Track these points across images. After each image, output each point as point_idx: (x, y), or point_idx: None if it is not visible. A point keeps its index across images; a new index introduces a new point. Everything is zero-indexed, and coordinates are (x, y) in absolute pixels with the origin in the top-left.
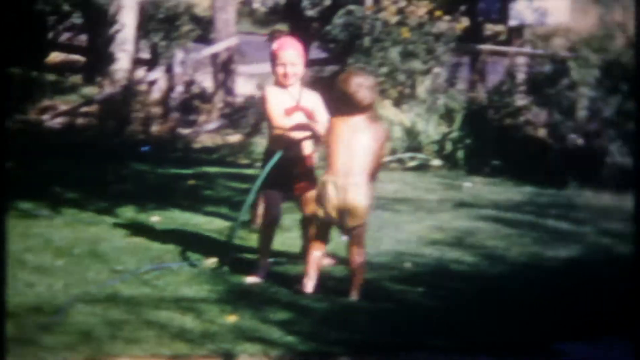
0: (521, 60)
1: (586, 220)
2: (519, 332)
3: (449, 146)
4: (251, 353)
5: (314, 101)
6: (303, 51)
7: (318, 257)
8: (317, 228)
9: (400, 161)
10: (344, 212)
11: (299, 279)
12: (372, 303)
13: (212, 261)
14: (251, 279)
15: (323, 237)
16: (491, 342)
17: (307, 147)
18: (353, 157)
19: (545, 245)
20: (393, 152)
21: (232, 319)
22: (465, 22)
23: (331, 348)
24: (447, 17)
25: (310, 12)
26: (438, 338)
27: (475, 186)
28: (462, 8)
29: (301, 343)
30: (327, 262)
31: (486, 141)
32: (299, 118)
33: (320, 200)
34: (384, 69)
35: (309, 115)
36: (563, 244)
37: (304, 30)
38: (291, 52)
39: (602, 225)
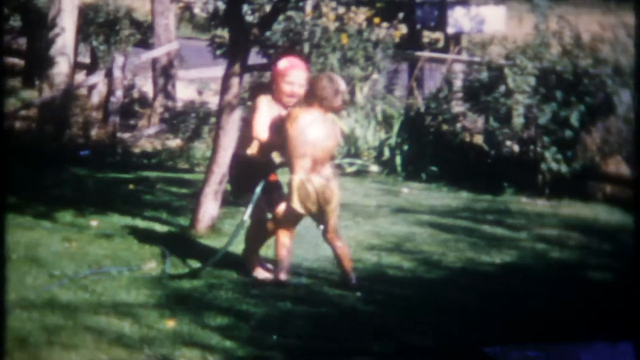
0: (458, 68)
1: (521, 226)
2: (454, 336)
3: (387, 152)
4: (189, 358)
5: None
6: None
7: (289, 245)
8: (288, 220)
9: (339, 167)
10: (323, 205)
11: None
12: (310, 308)
13: (151, 266)
14: (263, 275)
15: (293, 227)
16: (427, 346)
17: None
18: (323, 151)
19: (481, 250)
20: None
21: (170, 324)
22: (403, 29)
23: (269, 353)
24: (385, 24)
25: (251, 18)
26: (375, 343)
27: (412, 192)
28: (400, 15)
29: (239, 348)
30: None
31: (424, 147)
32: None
33: (299, 197)
34: None
35: None
36: (498, 250)
37: (244, 36)
38: (302, 74)
39: (536, 231)
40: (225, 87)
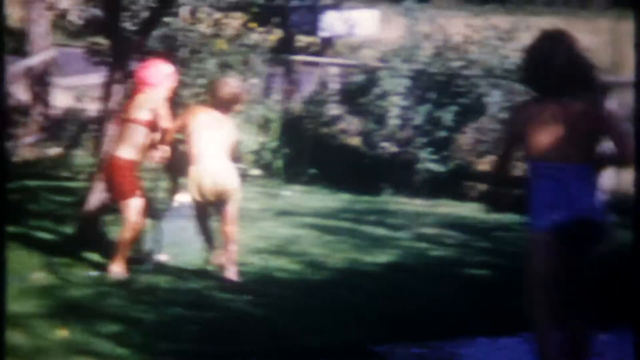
0: (334, 71)
1: (401, 226)
2: (342, 336)
3: (267, 156)
4: None
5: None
6: None
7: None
8: (196, 211)
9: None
10: (220, 193)
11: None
12: (199, 312)
13: (39, 276)
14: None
15: (205, 215)
16: (316, 347)
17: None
18: (221, 145)
19: (364, 250)
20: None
21: (62, 333)
22: (278, 33)
23: (163, 358)
24: (261, 29)
25: (129, 26)
26: (265, 345)
27: (294, 194)
28: (276, 20)
29: (132, 355)
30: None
31: (302, 150)
32: None
33: (196, 186)
34: (202, 80)
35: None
36: (381, 249)
37: (124, 43)
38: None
39: (416, 230)
40: (107, 94)
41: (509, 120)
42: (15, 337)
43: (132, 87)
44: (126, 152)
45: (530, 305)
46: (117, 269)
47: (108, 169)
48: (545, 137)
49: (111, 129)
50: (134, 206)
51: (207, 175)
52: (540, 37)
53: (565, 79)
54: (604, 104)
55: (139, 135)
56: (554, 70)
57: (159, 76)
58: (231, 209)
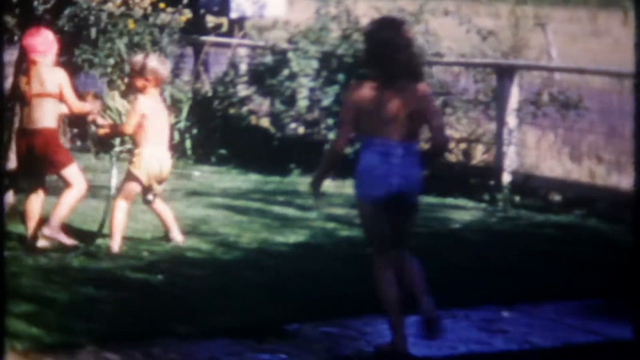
0: (243, 52)
1: (310, 207)
2: (254, 315)
3: (176, 136)
4: None
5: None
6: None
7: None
8: (129, 190)
9: (129, 152)
10: (161, 178)
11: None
12: (113, 292)
13: None
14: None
15: (132, 198)
16: (229, 326)
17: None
18: (164, 129)
19: (274, 231)
20: (122, 142)
21: None
22: (188, 14)
23: (78, 339)
24: (170, 9)
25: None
26: (180, 324)
27: (203, 175)
28: (185, 0)
29: (47, 335)
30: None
31: (212, 131)
32: None
33: (147, 169)
34: (111, 60)
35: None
36: (291, 230)
37: (35, 24)
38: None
39: (325, 210)
40: (16, 73)
41: (347, 99)
42: None
43: (23, 57)
44: (52, 122)
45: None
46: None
47: (41, 141)
48: (378, 116)
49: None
50: (76, 171)
51: (157, 161)
52: (382, 27)
53: (403, 69)
54: (426, 89)
55: (55, 105)
56: (397, 61)
57: (46, 44)
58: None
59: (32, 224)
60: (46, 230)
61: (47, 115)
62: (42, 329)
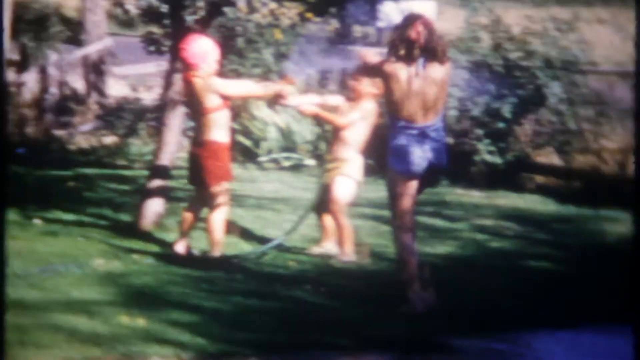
0: None
1: (459, 217)
2: (413, 328)
3: (322, 146)
4: (163, 355)
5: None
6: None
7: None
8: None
9: (276, 161)
10: None
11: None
12: (276, 303)
13: (99, 263)
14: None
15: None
16: (389, 339)
17: None
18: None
19: (423, 242)
20: (268, 152)
21: (141, 321)
22: (335, 24)
23: (241, 349)
24: (317, 19)
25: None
26: (338, 336)
27: None
28: (333, 10)
29: (211, 345)
30: None
31: None
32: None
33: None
34: (258, 70)
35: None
36: (440, 241)
37: (184, 34)
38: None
39: (475, 221)
40: (167, 84)
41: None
42: (94, 324)
43: (182, 69)
44: (218, 135)
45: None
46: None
47: (204, 153)
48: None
49: (172, 118)
50: (226, 189)
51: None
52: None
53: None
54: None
55: (220, 118)
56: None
57: (201, 55)
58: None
59: (184, 230)
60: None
61: (211, 128)
62: (207, 338)
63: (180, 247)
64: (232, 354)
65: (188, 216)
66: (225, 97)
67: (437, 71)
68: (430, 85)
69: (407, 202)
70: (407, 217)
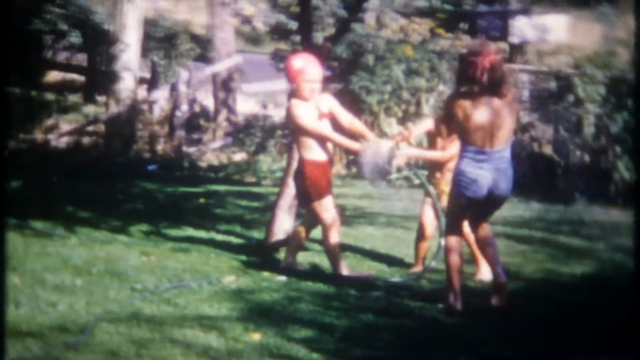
0: (525, 77)
1: (597, 237)
2: (538, 347)
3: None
4: None
5: (330, 102)
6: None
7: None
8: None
9: (407, 179)
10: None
11: None
12: (392, 320)
13: (230, 279)
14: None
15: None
16: (512, 357)
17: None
18: None
19: (559, 261)
20: (399, 169)
21: (256, 336)
22: (466, 39)
23: None
24: (448, 35)
25: (320, 35)
26: (460, 354)
27: None
28: (464, 26)
29: None
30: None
31: None
32: (325, 124)
33: None
34: (388, 87)
35: (332, 118)
36: (578, 260)
37: (316, 50)
38: (318, 70)
39: (613, 241)
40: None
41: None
42: (211, 339)
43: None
44: (313, 154)
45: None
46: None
47: (300, 172)
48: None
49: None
50: (325, 204)
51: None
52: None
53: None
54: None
55: (306, 137)
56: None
57: (291, 73)
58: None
59: (291, 248)
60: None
61: (305, 147)
62: (322, 354)
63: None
64: None
65: (297, 233)
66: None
67: (501, 102)
68: (495, 115)
69: (457, 222)
70: (454, 237)
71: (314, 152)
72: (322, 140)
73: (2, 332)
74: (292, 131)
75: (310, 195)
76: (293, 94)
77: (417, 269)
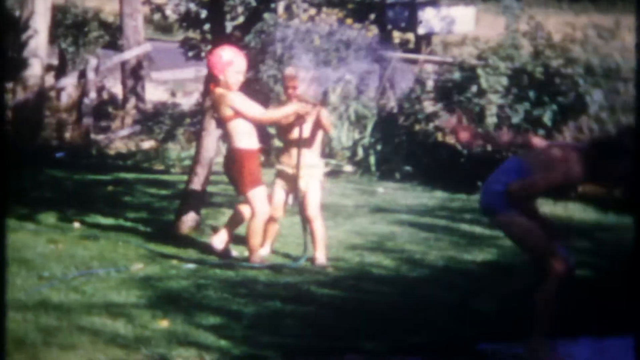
0: (430, 68)
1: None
2: (445, 334)
3: (360, 152)
4: (186, 357)
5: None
6: None
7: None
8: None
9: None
10: None
11: None
12: (299, 307)
13: (138, 267)
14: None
15: None
16: (420, 343)
17: None
18: None
19: (462, 249)
20: None
21: (164, 324)
22: (374, 30)
23: (264, 352)
24: (357, 25)
25: (230, 24)
26: (368, 341)
27: (387, 191)
28: (372, 16)
29: (234, 347)
30: None
31: (397, 147)
32: None
33: None
34: None
35: None
36: (479, 248)
37: (225, 39)
38: (244, 62)
39: None
40: (206, 89)
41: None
42: (119, 327)
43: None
44: (243, 142)
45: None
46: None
47: (232, 160)
48: None
49: (210, 123)
50: (259, 195)
51: None
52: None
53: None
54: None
55: (240, 126)
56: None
57: (219, 64)
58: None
59: (227, 227)
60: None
61: (234, 136)
62: (230, 341)
63: (217, 241)
64: (255, 357)
65: (235, 214)
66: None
67: None
68: None
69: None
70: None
71: (247, 141)
72: (260, 126)
73: (2, 332)
74: (221, 120)
75: (244, 183)
76: (217, 84)
77: (264, 250)
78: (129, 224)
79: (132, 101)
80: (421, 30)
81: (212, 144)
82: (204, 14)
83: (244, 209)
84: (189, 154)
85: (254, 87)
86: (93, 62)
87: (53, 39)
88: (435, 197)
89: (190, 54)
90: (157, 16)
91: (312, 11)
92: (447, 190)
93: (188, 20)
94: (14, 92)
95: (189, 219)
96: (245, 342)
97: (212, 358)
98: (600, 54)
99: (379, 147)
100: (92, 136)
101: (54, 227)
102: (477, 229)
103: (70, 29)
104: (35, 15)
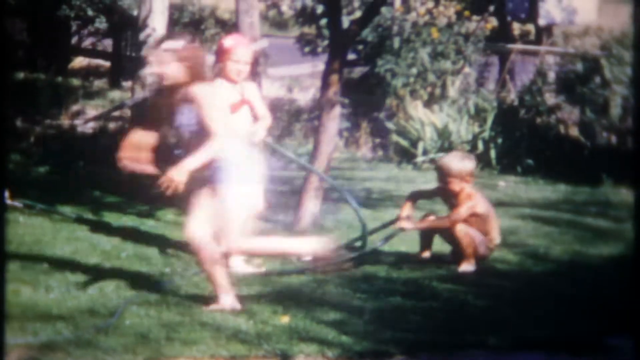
0: (551, 60)
1: (625, 218)
2: (571, 328)
3: (480, 146)
4: (308, 353)
5: (253, 91)
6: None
7: None
8: None
9: (433, 162)
10: None
11: None
12: (420, 302)
13: (258, 262)
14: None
15: None
16: (544, 339)
17: None
18: None
19: (587, 243)
20: (425, 152)
21: (285, 319)
22: (493, 21)
23: (386, 347)
24: (475, 17)
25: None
26: (491, 336)
27: (509, 185)
28: (491, 8)
29: (356, 343)
30: None
31: (518, 140)
32: (245, 112)
33: None
34: (414, 70)
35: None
36: (605, 242)
37: (343, 33)
38: (247, 51)
39: None
40: (325, 84)
41: None
42: (240, 322)
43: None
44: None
45: None
46: None
47: None
48: None
49: (328, 118)
50: None
51: None
52: None
53: None
54: None
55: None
56: None
57: (219, 52)
58: None
59: None
60: None
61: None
62: (351, 337)
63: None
64: (378, 353)
65: None
66: None
67: None
68: None
69: None
70: None
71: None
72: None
73: (1, 331)
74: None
75: None
76: (218, 73)
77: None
78: None
79: None
80: (542, 21)
81: (329, 139)
82: (320, 9)
83: None
84: (307, 149)
85: (370, 82)
86: (210, 59)
87: (171, 37)
88: (558, 190)
89: (307, 49)
90: (272, 12)
91: (430, 4)
92: (570, 183)
93: (304, 15)
94: (132, 91)
95: (307, 215)
96: (366, 337)
97: (333, 354)
98: None
99: (499, 141)
100: None
101: (174, 224)
102: (603, 223)
103: (187, 27)
104: (153, 14)
